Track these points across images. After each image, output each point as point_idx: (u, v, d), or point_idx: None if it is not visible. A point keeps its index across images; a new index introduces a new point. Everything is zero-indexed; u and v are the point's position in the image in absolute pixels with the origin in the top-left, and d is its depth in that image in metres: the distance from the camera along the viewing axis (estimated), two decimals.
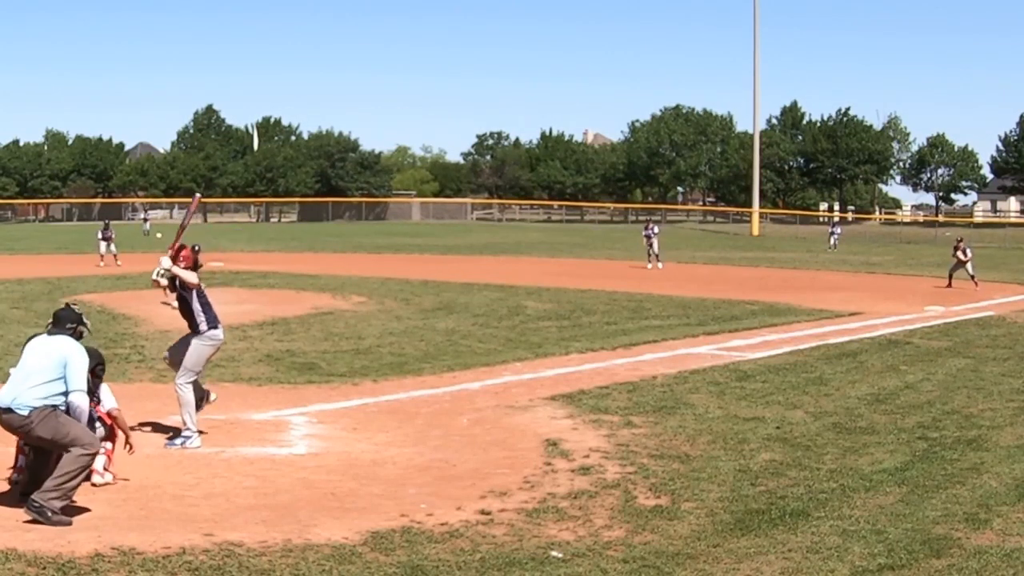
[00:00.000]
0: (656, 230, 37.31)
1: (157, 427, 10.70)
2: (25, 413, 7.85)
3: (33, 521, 7.58)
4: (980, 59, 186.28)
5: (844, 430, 11.00)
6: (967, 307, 23.75)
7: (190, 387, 10.17)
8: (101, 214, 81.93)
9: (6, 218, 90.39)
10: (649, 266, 36.27)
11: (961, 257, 29.44)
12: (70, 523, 7.58)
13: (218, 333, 10.31)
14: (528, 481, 8.97)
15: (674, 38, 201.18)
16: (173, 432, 10.36)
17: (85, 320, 8.55)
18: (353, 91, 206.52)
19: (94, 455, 8.02)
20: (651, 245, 36.62)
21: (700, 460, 9.70)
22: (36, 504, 7.63)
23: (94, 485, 8.54)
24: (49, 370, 7.98)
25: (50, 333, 8.30)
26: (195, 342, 10.25)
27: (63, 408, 7.97)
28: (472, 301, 23.57)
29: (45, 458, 8.06)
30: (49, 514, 7.59)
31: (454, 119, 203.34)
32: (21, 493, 8.04)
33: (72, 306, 8.69)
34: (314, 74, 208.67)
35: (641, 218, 75.50)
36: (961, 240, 30.39)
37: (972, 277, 29.13)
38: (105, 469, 8.76)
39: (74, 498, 7.91)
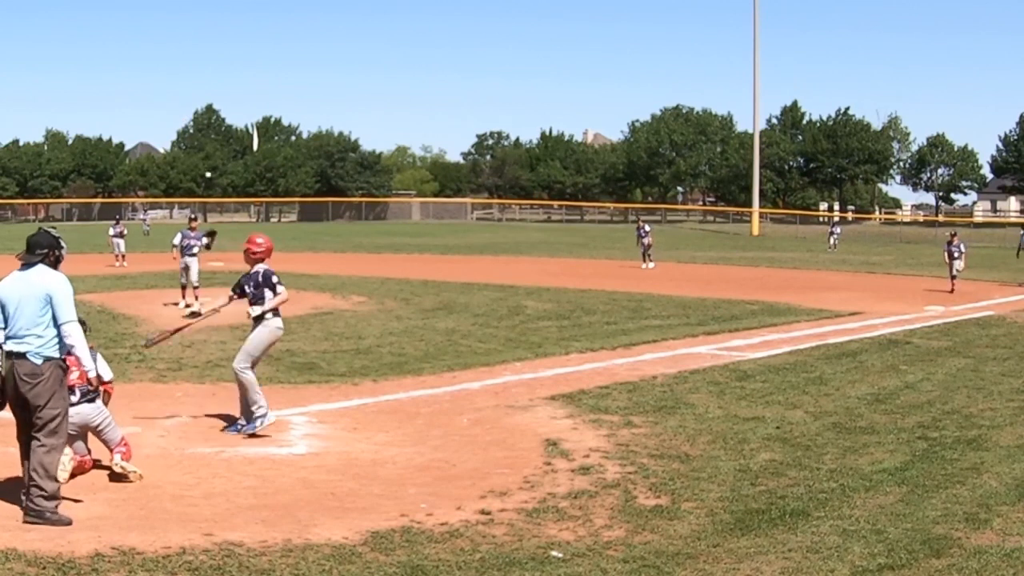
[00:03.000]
0: (647, 228, 37.56)
1: (156, 427, 10.70)
2: (39, 363, 7.60)
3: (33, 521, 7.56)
4: (980, 59, 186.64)
5: (844, 430, 11.00)
6: (967, 307, 23.75)
7: (250, 370, 10.34)
8: (102, 214, 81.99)
9: (6, 218, 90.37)
10: (643, 266, 36.38)
11: (953, 252, 28.30)
12: (70, 523, 7.52)
13: (279, 321, 10.73)
14: (528, 481, 8.97)
15: (674, 38, 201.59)
16: (228, 420, 10.54)
17: (62, 243, 8.13)
18: (353, 91, 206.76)
19: (59, 446, 7.68)
20: (641, 244, 36.86)
21: (700, 460, 9.70)
22: (33, 510, 7.57)
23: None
24: (37, 309, 7.62)
25: (23, 267, 7.86)
26: (260, 328, 10.59)
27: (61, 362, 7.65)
28: (472, 301, 23.56)
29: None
30: (47, 514, 7.53)
31: (454, 119, 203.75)
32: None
33: (48, 230, 8.23)
34: (314, 74, 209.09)
35: (642, 218, 75.48)
36: (955, 235, 29.37)
37: (953, 277, 28.06)
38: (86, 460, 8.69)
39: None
